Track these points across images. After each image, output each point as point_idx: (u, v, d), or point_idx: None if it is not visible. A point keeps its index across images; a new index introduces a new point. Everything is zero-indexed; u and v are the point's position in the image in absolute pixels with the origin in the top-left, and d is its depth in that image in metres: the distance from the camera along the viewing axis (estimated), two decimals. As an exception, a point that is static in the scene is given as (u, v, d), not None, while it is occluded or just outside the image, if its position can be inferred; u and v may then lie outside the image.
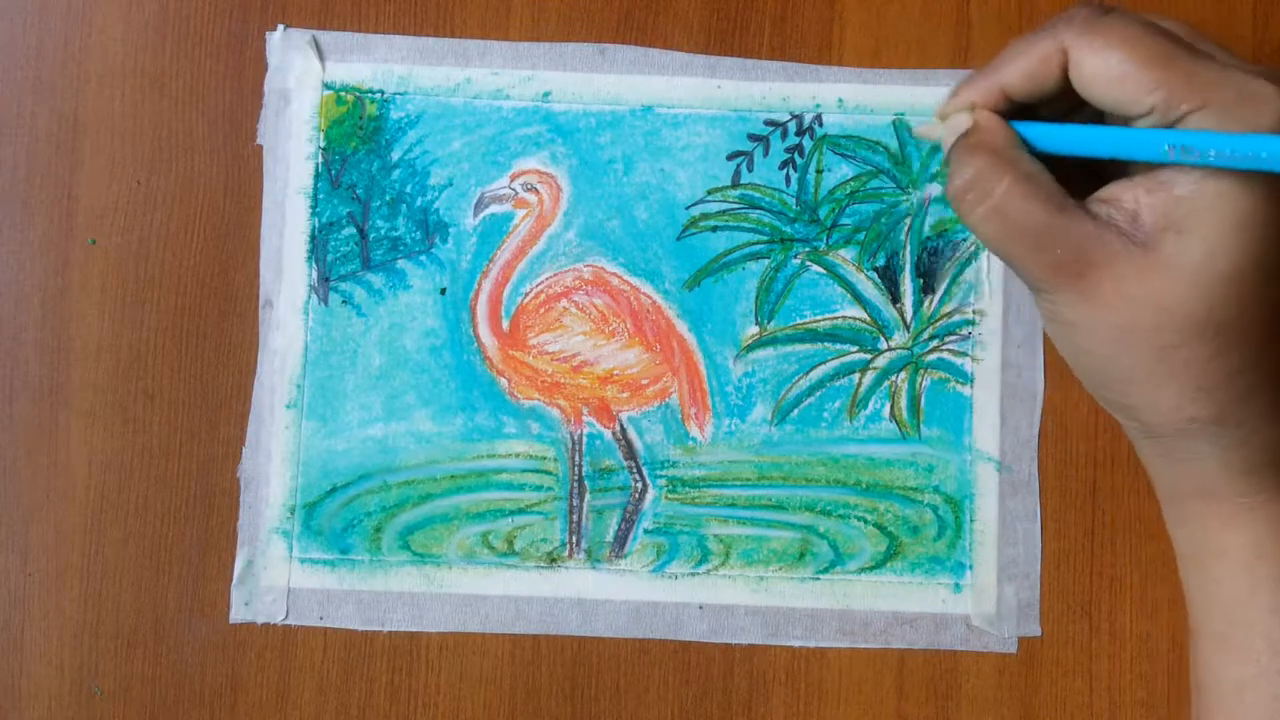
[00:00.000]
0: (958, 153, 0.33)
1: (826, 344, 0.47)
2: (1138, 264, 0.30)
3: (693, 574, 0.46)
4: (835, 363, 0.47)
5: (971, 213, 0.32)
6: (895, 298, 0.47)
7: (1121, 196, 0.30)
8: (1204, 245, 0.29)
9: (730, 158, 0.48)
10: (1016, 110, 0.33)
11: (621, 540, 0.46)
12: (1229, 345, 0.30)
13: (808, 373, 0.47)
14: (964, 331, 0.47)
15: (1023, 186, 0.31)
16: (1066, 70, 0.31)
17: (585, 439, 0.47)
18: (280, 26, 0.48)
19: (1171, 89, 0.29)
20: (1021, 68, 0.32)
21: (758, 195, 0.48)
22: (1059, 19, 0.31)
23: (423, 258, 0.47)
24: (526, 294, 0.47)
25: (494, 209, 0.48)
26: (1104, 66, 0.30)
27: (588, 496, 0.47)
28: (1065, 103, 0.32)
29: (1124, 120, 0.31)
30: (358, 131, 0.48)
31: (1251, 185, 0.29)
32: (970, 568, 0.46)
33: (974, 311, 0.47)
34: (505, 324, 0.47)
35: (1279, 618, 0.33)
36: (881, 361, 0.47)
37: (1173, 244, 0.29)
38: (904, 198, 0.48)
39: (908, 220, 0.48)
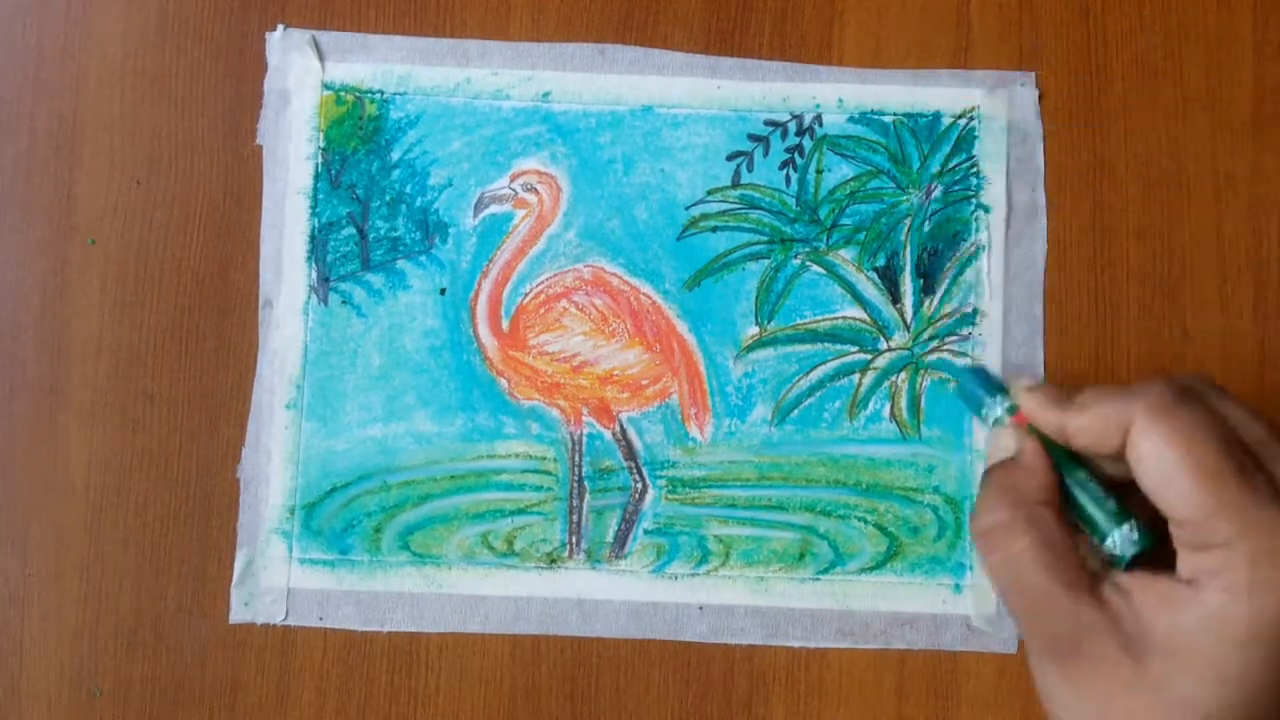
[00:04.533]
0: (991, 488, 0.32)
1: (826, 344, 0.47)
2: (1125, 672, 0.29)
3: (693, 574, 0.46)
4: (835, 363, 0.47)
5: (985, 555, 0.32)
6: (895, 298, 0.47)
7: (1140, 593, 0.30)
8: (1192, 683, 0.29)
9: (730, 158, 0.48)
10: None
11: (621, 540, 0.46)
12: None
13: (808, 373, 0.47)
14: (964, 332, 0.47)
15: (1039, 553, 0.30)
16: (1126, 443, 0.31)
17: (585, 439, 0.47)
18: (280, 26, 0.48)
19: (1207, 514, 0.29)
20: (1088, 422, 0.31)
21: (758, 195, 0.48)
22: (1139, 389, 0.31)
23: (422, 258, 0.47)
24: (526, 294, 0.47)
25: (494, 209, 0.47)
26: (1155, 461, 0.30)
27: (588, 497, 0.46)
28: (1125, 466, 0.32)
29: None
30: (357, 131, 0.48)
31: (1262, 639, 0.28)
32: (970, 568, 0.46)
33: (974, 311, 0.47)
34: (505, 324, 0.47)
35: None
36: (881, 362, 0.47)
37: (1162, 668, 0.29)
38: (904, 198, 0.48)
39: (908, 220, 0.48)
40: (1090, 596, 0.30)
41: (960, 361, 0.46)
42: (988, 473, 0.33)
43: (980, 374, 0.34)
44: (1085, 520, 0.32)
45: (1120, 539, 0.31)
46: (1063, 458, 0.32)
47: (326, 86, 0.48)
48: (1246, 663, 0.28)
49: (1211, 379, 0.33)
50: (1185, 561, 0.29)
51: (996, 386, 0.34)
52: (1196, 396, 0.31)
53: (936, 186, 0.48)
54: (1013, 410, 0.33)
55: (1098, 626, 0.30)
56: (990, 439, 0.34)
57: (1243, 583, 0.28)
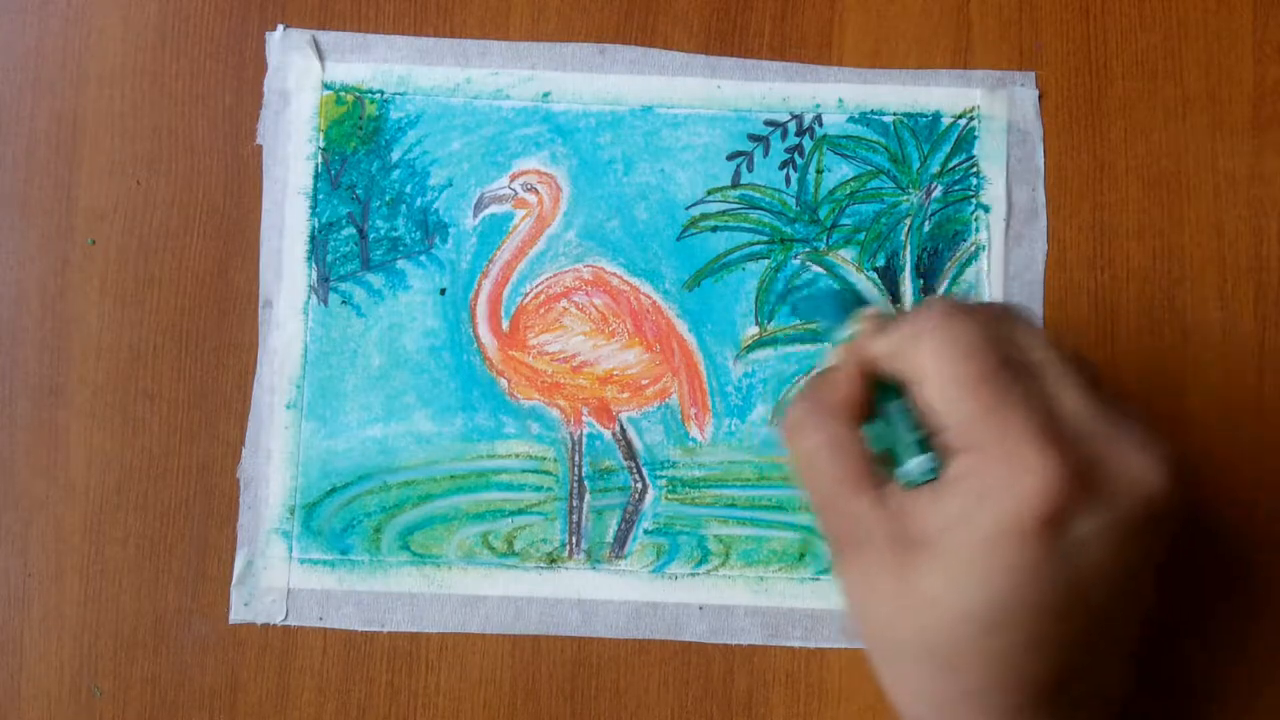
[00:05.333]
0: (802, 391, 0.35)
1: (826, 344, 0.47)
2: (891, 568, 0.30)
3: (693, 574, 0.46)
4: (835, 363, 0.47)
5: (786, 447, 0.34)
6: (895, 298, 0.47)
7: (914, 494, 0.31)
8: (941, 577, 0.30)
9: (730, 158, 0.48)
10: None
11: (621, 541, 0.46)
12: (945, 674, 0.30)
13: (808, 373, 0.47)
14: (964, 332, 0.47)
15: (828, 453, 0.32)
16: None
17: (585, 439, 0.47)
18: (280, 26, 0.48)
19: (964, 418, 0.30)
20: (886, 345, 0.33)
21: (758, 195, 0.48)
22: (923, 304, 0.32)
23: (422, 258, 0.47)
24: (526, 294, 0.47)
25: (494, 209, 0.48)
26: (926, 368, 0.31)
27: (588, 497, 0.47)
28: None
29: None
30: (357, 131, 0.48)
31: (1002, 543, 0.29)
32: (970, 568, 0.46)
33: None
34: (505, 324, 0.47)
35: None
36: (881, 362, 0.47)
37: (921, 562, 0.30)
38: (904, 198, 0.48)
39: (908, 220, 0.48)
40: (871, 494, 0.31)
41: (813, 280, 0.47)
42: (805, 383, 0.35)
43: (846, 296, 0.36)
44: (892, 447, 0.33)
45: (914, 466, 0.32)
46: (888, 386, 0.33)
47: (326, 86, 0.48)
48: (992, 564, 0.29)
49: (1014, 307, 0.34)
50: (950, 465, 0.31)
51: (849, 314, 0.36)
52: (974, 311, 0.32)
53: (936, 186, 0.48)
54: (850, 336, 0.35)
55: (874, 523, 0.31)
56: (828, 355, 0.36)
57: (989, 485, 0.29)
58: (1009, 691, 0.30)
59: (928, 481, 0.31)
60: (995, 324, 0.32)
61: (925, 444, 0.32)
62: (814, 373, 0.35)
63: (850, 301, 0.36)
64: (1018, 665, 0.30)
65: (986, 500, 0.29)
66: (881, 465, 0.32)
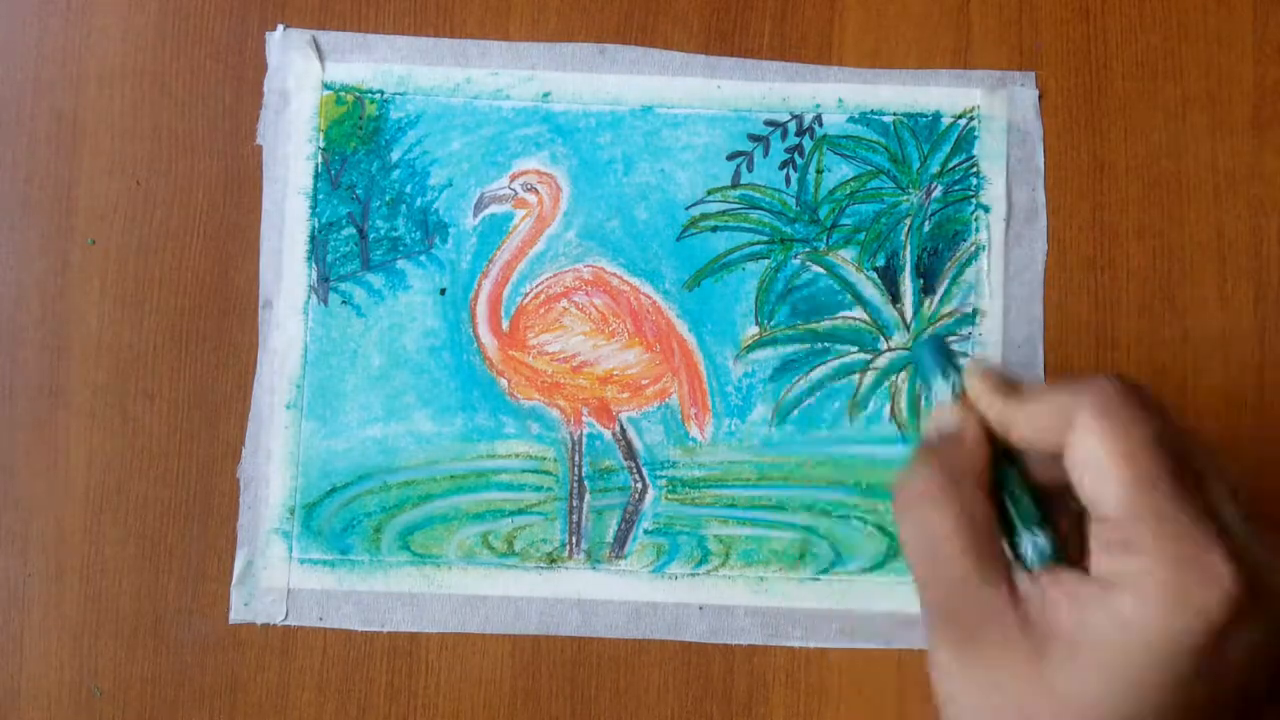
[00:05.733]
0: (925, 456, 0.31)
1: (826, 344, 0.47)
2: (1024, 665, 0.28)
3: (692, 574, 0.46)
4: (835, 363, 0.47)
5: (904, 522, 0.31)
6: (895, 298, 0.47)
7: (1053, 587, 0.29)
8: (1084, 682, 0.28)
9: (730, 158, 0.48)
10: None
11: (621, 541, 0.46)
12: None
13: (808, 373, 0.47)
14: (964, 332, 0.47)
15: (961, 529, 0.30)
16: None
17: (585, 439, 0.47)
18: (280, 26, 0.48)
19: (1135, 516, 0.28)
20: (1032, 413, 0.31)
21: (758, 195, 0.48)
22: (1085, 385, 0.29)
23: (422, 258, 0.47)
24: (526, 294, 0.47)
25: (494, 209, 0.48)
26: (1092, 456, 0.29)
27: (588, 497, 0.46)
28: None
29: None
30: (357, 131, 0.48)
31: (1162, 652, 0.27)
32: (970, 568, 0.46)
33: (974, 311, 0.47)
34: (505, 324, 0.47)
35: None
36: (882, 362, 0.47)
37: (1059, 662, 0.28)
38: (904, 198, 0.48)
39: (908, 220, 0.48)
40: (1004, 581, 0.29)
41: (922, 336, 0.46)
42: (924, 444, 0.32)
43: (938, 348, 0.34)
44: (1003, 518, 0.31)
45: (1032, 545, 0.30)
46: (998, 450, 0.32)
47: (326, 86, 0.48)
48: (1149, 673, 0.27)
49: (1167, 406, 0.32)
50: (1102, 561, 0.29)
51: (951, 365, 0.33)
52: (1142, 398, 0.30)
53: (936, 186, 0.48)
54: (959, 392, 0.33)
55: (1005, 614, 0.29)
56: (933, 415, 0.33)
57: (1159, 592, 0.27)
58: None
59: (1045, 564, 0.30)
60: (1163, 418, 0.30)
61: (1044, 519, 0.30)
62: (930, 429, 0.33)
63: (948, 351, 0.34)
64: None
65: (1151, 606, 0.27)
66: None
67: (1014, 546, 0.30)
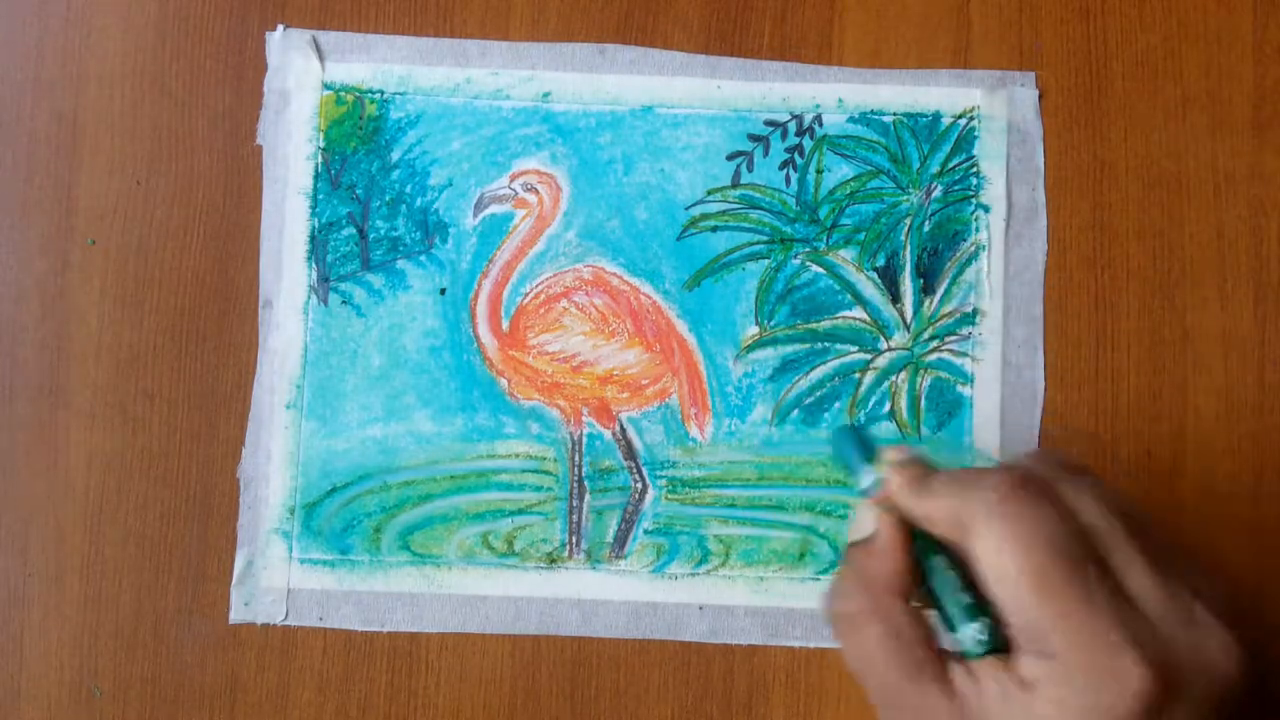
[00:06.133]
0: (846, 572, 0.32)
1: (826, 344, 0.47)
2: None
3: (693, 574, 0.46)
4: (835, 363, 0.47)
5: (838, 640, 0.32)
6: (895, 298, 0.47)
7: (986, 683, 0.29)
8: None
9: (730, 158, 0.48)
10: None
11: (621, 541, 0.46)
12: None
13: (808, 373, 0.47)
14: (964, 331, 0.47)
15: (886, 643, 0.30)
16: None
17: (585, 439, 0.47)
18: (280, 26, 0.48)
19: (1037, 622, 0.28)
20: (934, 512, 0.31)
21: (758, 195, 0.48)
22: (981, 481, 0.30)
23: (422, 258, 0.47)
24: (526, 294, 0.47)
25: (494, 209, 0.48)
26: (989, 561, 0.29)
27: (588, 497, 0.46)
28: None
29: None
30: (357, 131, 0.48)
31: None
32: (970, 568, 0.46)
33: (974, 311, 0.47)
34: (505, 324, 0.47)
35: None
36: (882, 362, 0.47)
37: None
38: (904, 198, 0.48)
39: (908, 220, 0.48)
40: (938, 684, 0.30)
41: (843, 422, 0.45)
42: (846, 553, 0.33)
43: (854, 437, 0.34)
44: (939, 608, 0.31)
45: (967, 637, 0.30)
46: (925, 541, 0.32)
47: (326, 86, 0.48)
48: None
49: (1070, 458, 0.32)
50: (1022, 662, 0.29)
51: (865, 457, 0.33)
52: (1039, 487, 0.30)
53: (936, 186, 0.48)
54: (879, 484, 0.33)
55: (942, 711, 0.29)
56: (854, 513, 0.34)
57: (1069, 699, 0.28)
58: None
59: (984, 652, 0.30)
60: (1061, 499, 0.30)
61: (974, 608, 0.30)
62: (850, 536, 0.33)
63: (865, 441, 0.34)
64: None
65: (1073, 710, 0.28)
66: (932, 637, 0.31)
67: (953, 638, 0.31)
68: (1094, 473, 0.32)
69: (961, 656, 0.31)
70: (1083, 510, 0.30)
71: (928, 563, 0.32)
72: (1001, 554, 0.29)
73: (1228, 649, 0.29)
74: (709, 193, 0.48)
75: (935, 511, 0.31)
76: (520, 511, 0.46)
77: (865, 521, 0.33)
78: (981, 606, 0.30)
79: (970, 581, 0.31)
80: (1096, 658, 0.28)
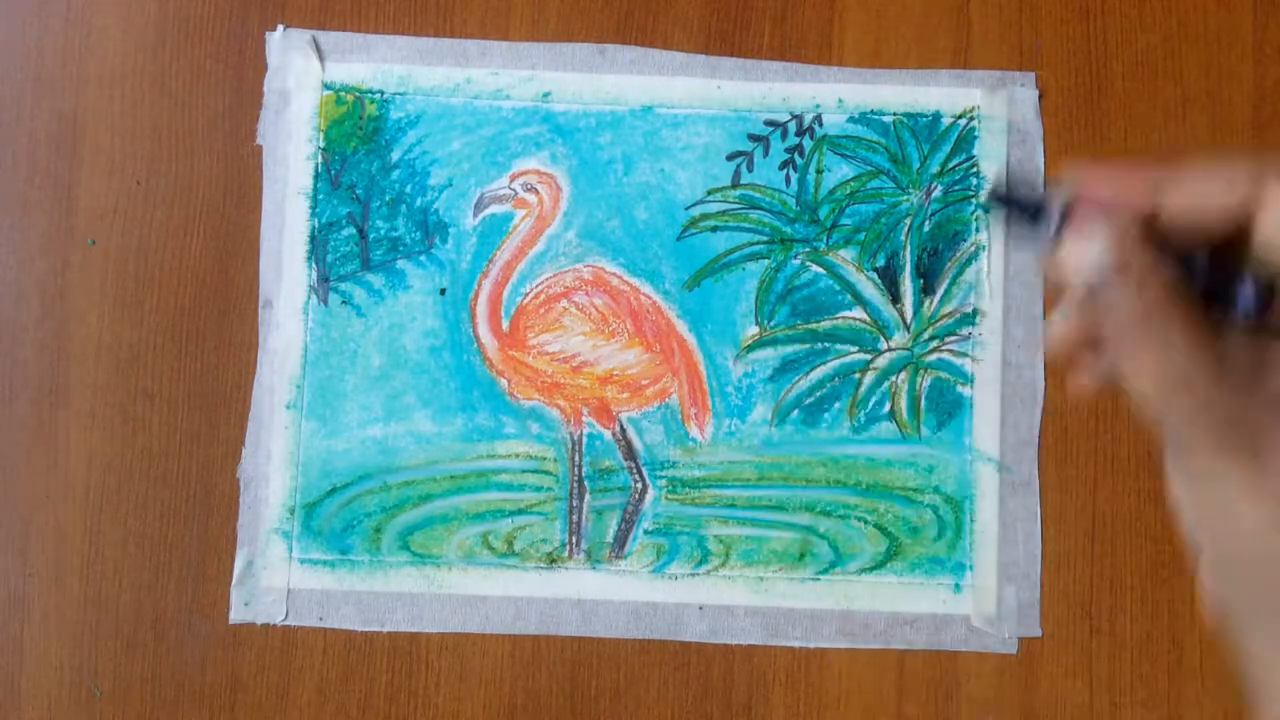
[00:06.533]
0: (1120, 294, 0.27)
1: (826, 344, 0.47)
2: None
3: (693, 574, 0.46)
4: (835, 363, 0.47)
5: (1137, 362, 0.27)
6: (895, 298, 0.47)
7: None
8: None
9: (730, 158, 0.48)
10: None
11: (621, 541, 0.46)
12: None
13: (808, 373, 0.47)
14: (964, 332, 0.47)
15: (1197, 342, 0.26)
16: (1248, 219, 0.26)
17: (585, 439, 0.47)
18: (280, 26, 0.48)
19: None
20: (1197, 192, 0.27)
21: (758, 195, 0.48)
22: (1271, 161, 0.26)
23: (422, 258, 0.47)
24: (526, 294, 0.47)
25: (494, 209, 0.47)
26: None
27: (588, 497, 0.46)
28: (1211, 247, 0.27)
29: None
30: (358, 132, 0.48)
31: None
32: (970, 568, 0.46)
33: (974, 311, 0.47)
34: (505, 324, 0.47)
35: None
36: (882, 362, 0.47)
37: None
38: (904, 198, 0.48)
39: (908, 220, 0.48)
40: (1259, 387, 0.26)
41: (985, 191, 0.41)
42: (1097, 283, 0.27)
43: (1011, 202, 0.28)
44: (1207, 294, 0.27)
45: (1244, 294, 0.27)
46: (1166, 246, 0.27)
47: (326, 86, 0.48)
48: None
49: None
50: None
51: (1035, 209, 0.28)
52: None
53: (936, 186, 0.48)
54: (1064, 212, 0.27)
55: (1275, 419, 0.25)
56: (1071, 261, 0.27)
57: None
58: None
59: (1257, 311, 0.26)
60: None
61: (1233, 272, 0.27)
62: (1075, 280, 0.28)
63: (1022, 199, 0.28)
64: None
65: None
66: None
67: (1229, 310, 0.27)
68: None
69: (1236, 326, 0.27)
70: None
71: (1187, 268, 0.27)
72: None
73: None
74: (709, 193, 0.48)
75: (1203, 187, 0.27)
76: (520, 511, 0.46)
77: (1083, 264, 0.27)
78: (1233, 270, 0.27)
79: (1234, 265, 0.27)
80: None
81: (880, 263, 0.47)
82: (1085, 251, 0.27)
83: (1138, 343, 0.26)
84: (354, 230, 0.47)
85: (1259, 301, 0.27)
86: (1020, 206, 0.28)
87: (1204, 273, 0.27)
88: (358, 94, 0.48)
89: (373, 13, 0.48)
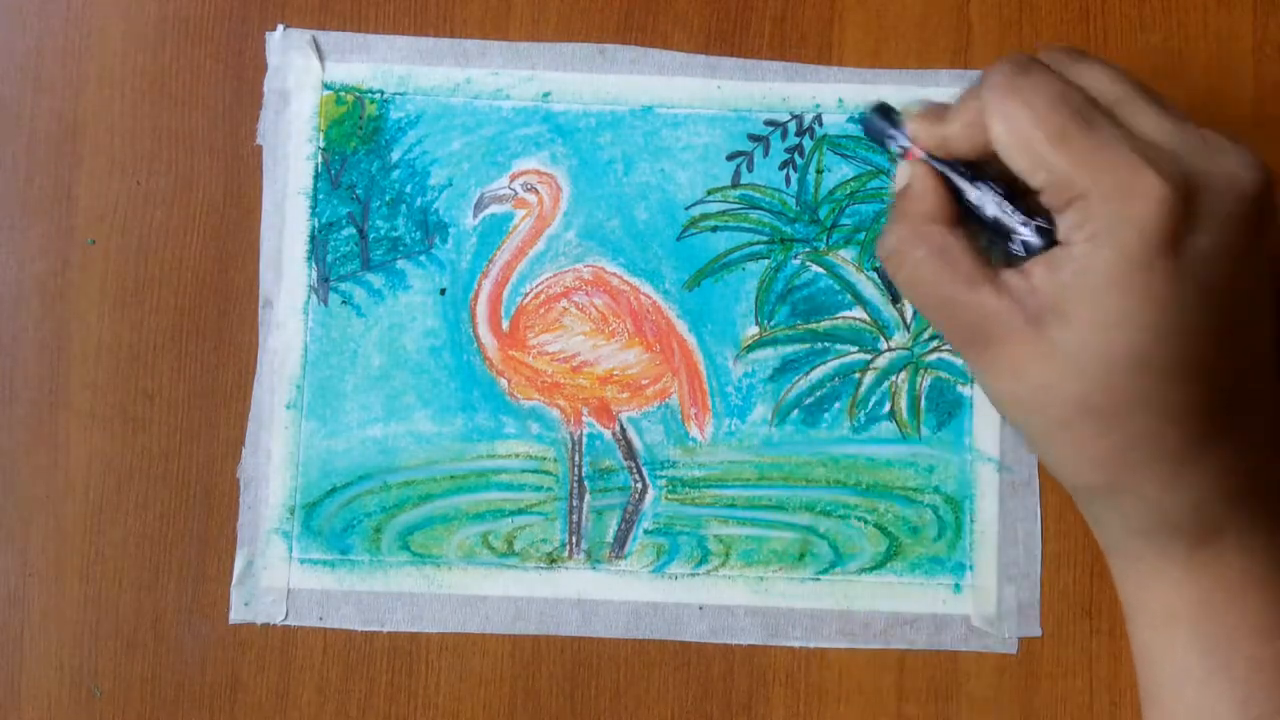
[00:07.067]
0: (890, 215, 0.34)
1: (826, 344, 0.47)
2: (1029, 343, 0.30)
3: (692, 574, 0.46)
4: (835, 363, 0.47)
5: (892, 275, 0.34)
6: (895, 298, 0.47)
7: (1033, 268, 0.31)
8: (1079, 333, 0.30)
9: (730, 158, 0.48)
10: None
11: (621, 541, 0.46)
12: (1110, 426, 0.30)
13: (808, 373, 0.47)
14: (964, 332, 0.47)
15: (934, 260, 0.32)
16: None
17: (585, 439, 0.47)
18: (280, 26, 0.48)
19: (1059, 171, 0.30)
20: (958, 125, 0.33)
21: (758, 195, 0.48)
22: (987, 72, 0.32)
23: (422, 258, 0.47)
24: (526, 294, 0.47)
25: (494, 209, 0.48)
26: (1008, 136, 0.31)
27: (588, 497, 0.47)
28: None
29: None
30: (357, 131, 0.48)
31: (1129, 278, 0.29)
32: (971, 568, 0.46)
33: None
34: (505, 324, 0.47)
35: (1195, 683, 0.33)
36: (882, 361, 0.47)
37: (1055, 327, 0.30)
38: (904, 198, 0.48)
39: (908, 220, 0.48)
40: (990, 284, 0.31)
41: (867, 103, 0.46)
42: (891, 203, 0.35)
43: (880, 113, 0.36)
44: (997, 229, 0.33)
45: (1024, 236, 0.32)
46: (963, 174, 0.33)
47: (326, 86, 0.48)
48: (1126, 302, 0.29)
49: (1072, 47, 0.33)
50: (1059, 225, 0.30)
51: (892, 124, 0.35)
52: (1039, 66, 0.31)
53: (936, 186, 0.48)
54: (905, 146, 0.35)
55: (1000, 310, 0.31)
56: (891, 186, 0.36)
57: (1100, 226, 0.29)
58: (1176, 427, 0.30)
59: (1042, 249, 0.31)
60: (1060, 69, 0.32)
61: (1019, 212, 0.32)
62: (893, 189, 0.35)
63: (894, 111, 0.35)
64: (1175, 398, 0.30)
65: (1102, 241, 0.29)
66: (988, 258, 0.32)
67: (1012, 247, 0.32)
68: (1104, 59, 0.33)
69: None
70: (1090, 79, 0.31)
71: (972, 189, 0.33)
72: (1018, 124, 0.30)
73: (1245, 162, 0.30)
74: (709, 193, 0.48)
75: (954, 127, 0.33)
76: (520, 511, 0.46)
77: (902, 177, 0.35)
78: (1027, 212, 0.32)
79: (1012, 195, 0.32)
80: (1119, 179, 0.29)
81: (880, 263, 0.47)
82: (900, 181, 0.35)
83: (891, 265, 0.34)
84: (354, 230, 0.47)
85: (1032, 247, 0.32)
86: (878, 131, 0.36)
87: (992, 204, 0.33)
88: (358, 94, 0.48)
89: (373, 13, 0.48)
